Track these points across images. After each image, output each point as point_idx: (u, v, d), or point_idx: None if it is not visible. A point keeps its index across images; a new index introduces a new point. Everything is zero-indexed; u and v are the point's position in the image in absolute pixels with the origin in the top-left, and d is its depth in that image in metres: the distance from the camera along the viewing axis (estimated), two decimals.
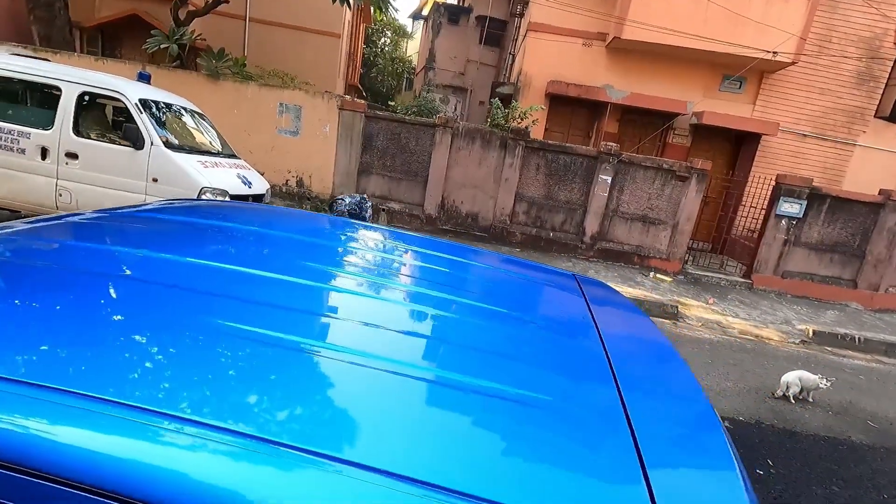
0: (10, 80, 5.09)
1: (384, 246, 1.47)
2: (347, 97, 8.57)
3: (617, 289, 5.88)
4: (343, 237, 1.45)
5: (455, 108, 17.58)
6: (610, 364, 0.80)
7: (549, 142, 8.25)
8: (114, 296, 0.81)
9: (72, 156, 4.96)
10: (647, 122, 10.25)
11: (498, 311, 1.03)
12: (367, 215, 2.12)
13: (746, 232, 8.72)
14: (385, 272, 1.22)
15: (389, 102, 15.28)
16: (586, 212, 8.19)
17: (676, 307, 6.36)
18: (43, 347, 0.63)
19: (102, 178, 4.93)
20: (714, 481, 0.61)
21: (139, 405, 0.54)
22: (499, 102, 8.67)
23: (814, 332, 6.32)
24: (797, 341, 6.11)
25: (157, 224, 1.30)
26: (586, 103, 10.25)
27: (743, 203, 8.57)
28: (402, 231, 1.71)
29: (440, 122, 8.08)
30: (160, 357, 0.65)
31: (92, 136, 5.08)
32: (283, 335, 0.74)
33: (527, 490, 0.52)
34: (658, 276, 7.90)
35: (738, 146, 10.31)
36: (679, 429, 0.73)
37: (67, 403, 0.53)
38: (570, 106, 10.42)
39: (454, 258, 1.38)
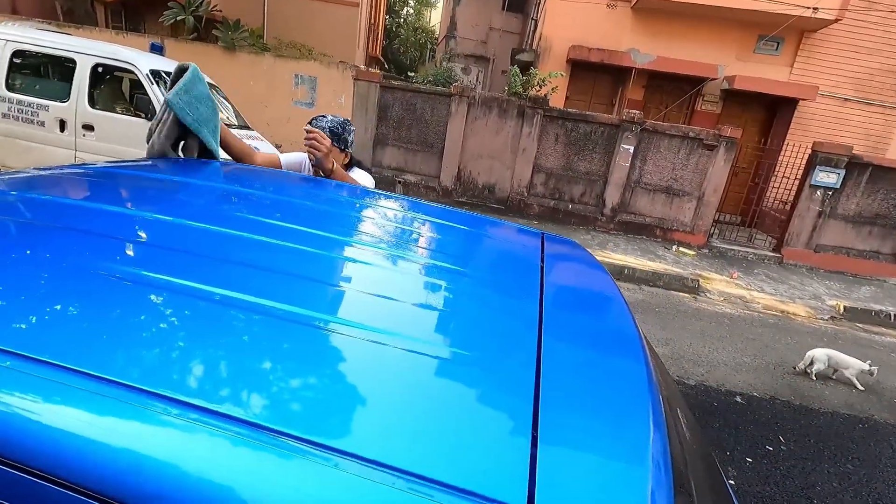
0: (29, 53, 5.19)
1: (359, 206, 1.41)
2: (362, 67, 8.44)
3: (636, 262, 5.70)
4: (340, 202, 1.40)
5: (477, 78, 17.16)
6: (540, 317, 0.73)
7: (569, 110, 7.96)
8: (97, 255, 0.77)
9: (88, 127, 5.06)
10: (674, 88, 9.76)
11: (446, 268, 0.97)
12: (350, 140, 1.89)
13: (778, 204, 8.31)
14: (358, 233, 1.16)
15: (409, 73, 15.02)
16: (607, 183, 7.93)
17: (697, 281, 6.15)
18: (16, 312, 0.60)
19: (118, 149, 5.00)
20: (615, 438, 0.55)
21: (117, 380, 0.50)
22: (517, 70, 8.39)
23: (845, 307, 6.03)
24: (826, 317, 5.84)
25: (151, 182, 1.27)
26: (610, 69, 9.81)
27: (775, 173, 8.13)
28: (389, 193, 1.66)
29: (456, 92, 7.89)
30: (140, 325, 0.61)
31: (106, 107, 5.16)
32: (267, 301, 0.70)
33: (430, 447, 0.48)
34: (681, 249, 7.64)
35: (773, 112, 9.73)
36: (592, 379, 0.66)
37: (37, 374, 0.50)
38: (593, 72, 10.00)
39: (420, 216, 1.32)
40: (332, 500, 0.42)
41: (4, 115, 5.12)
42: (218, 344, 0.60)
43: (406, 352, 0.63)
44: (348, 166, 2.17)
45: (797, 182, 7.70)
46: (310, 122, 2.02)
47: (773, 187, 8.19)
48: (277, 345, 0.61)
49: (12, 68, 5.14)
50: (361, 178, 2.15)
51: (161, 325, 0.62)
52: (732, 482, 2.52)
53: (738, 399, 3.45)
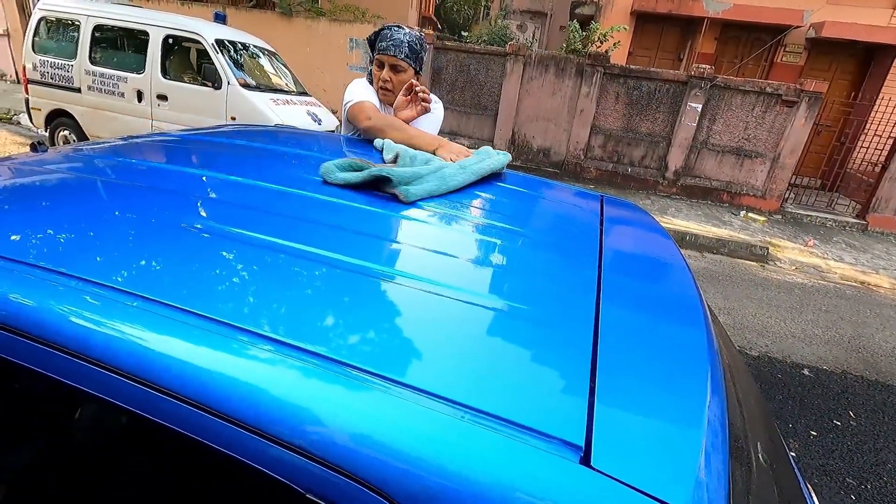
0: (107, 27, 5.52)
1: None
2: (415, 29, 8.31)
3: (699, 228, 5.43)
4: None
5: (533, 36, 16.45)
6: (599, 277, 0.75)
7: (632, 67, 7.51)
8: (198, 214, 0.88)
9: (162, 97, 5.37)
10: (751, 39, 8.94)
11: (509, 228, 0.99)
12: (423, 58, 1.70)
13: (866, 165, 7.56)
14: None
15: (463, 33, 14.61)
16: (670, 144, 7.51)
17: (766, 249, 5.80)
18: (142, 262, 0.70)
19: (189, 118, 5.29)
20: (669, 407, 0.57)
21: (223, 320, 0.59)
22: (576, 25, 7.97)
23: None
24: None
25: (229, 147, 1.38)
26: (678, 20, 9.10)
27: (865, 131, 7.36)
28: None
29: (511, 51, 7.63)
30: (234, 275, 0.70)
31: (177, 77, 5.43)
32: (335, 255, 0.76)
33: (489, 392, 0.53)
34: (750, 215, 7.18)
35: (867, 63, 8.72)
36: (650, 339, 0.68)
37: (160, 313, 0.59)
38: (660, 24, 9.32)
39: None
40: (407, 428, 0.48)
41: (90, 88, 5.53)
42: (309, 294, 0.67)
43: (472, 305, 0.67)
44: None
45: (891, 140, 6.95)
46: (381, 31, 1.68)
47: (861, 147, 7.45)
48: (360, 295, 0.68)
49: (94, 43, 5.50)
50: (435, 105, 1.85)
51: (260, 276, 0.70)
52: (794, 454, 2.46)
53: (806, 372, 3.29)
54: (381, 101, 1.76)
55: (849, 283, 5.29)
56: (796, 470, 1.13)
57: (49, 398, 0.68)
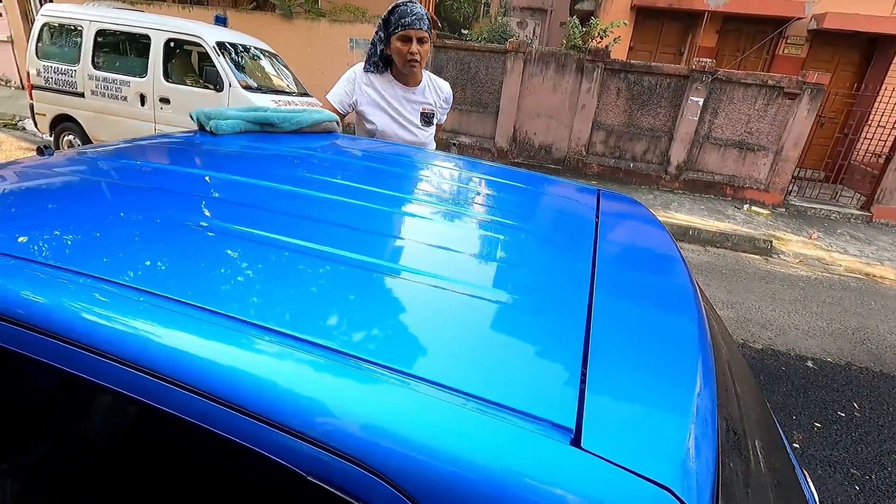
0: (109, 32, 5.56)
1: (422, 166, 1.47)
2: None
3: (701, 222, 5.42)
4: (402, 162, 1.47)
5: (533, 32, 16.41)
6: (593, 269, 0.76)
7: (632, 62, 7.49)
8: (205, 213, 0.90)
9: (165, 101, 5.40)
10: (753, 32, 8.89)
11: (507, 223, 1.01)
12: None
13: (870, 157, 7.52)
14: (422, 192, 1.22)
15: (463, 31, 14.58)
16: (672, 139, 7.49)
17: (770, 242, 5.79)
18: (149, 260, 0.72)
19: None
20: (660, 399, 0.58)
21: (233, 315, 0.60)
22: (576, 21, 7.95)
23: None
24: None
25: (228, 148, 1.40)
26: (679, 14, 9.06)
27: (868, 122, 7.32)
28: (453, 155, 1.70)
29: (511, 48, 7.62)
30: (245, 273, 0.72)
31: (179, 80, 5.47)
32: (343, 252, 0.78)
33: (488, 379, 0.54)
34: (753, 208, 7.16)
35: (870, 54, 8.66)
36: (642, 330, 0.69)
37: (170, 308, 0.61)
38: (660, 19, 9.28)
39: (479, 175, 1.36)
40: (410, 414, 0.50)
41: (93, 93, 5.57)
42: (317, 290, 0.69)
43: (468, 296, 0.69)
44: None
45: (895, 131, 6.91)
46: (396, 8, 1.76)
47: (864, 138, 7.41)
48: (361, 289, 0.69)
49: (96, 47, 5.54)
50: (441, 85, 2.17)
51: (266, 272, 0.72)
52: (797, 445, 2.47)
53: (810, 364, 3.29)
54: (406, 74, 1.92)
55: (853, 274, 5.27)
56: (794, 461, 1.14)
57: (64, 394, 0.70)
